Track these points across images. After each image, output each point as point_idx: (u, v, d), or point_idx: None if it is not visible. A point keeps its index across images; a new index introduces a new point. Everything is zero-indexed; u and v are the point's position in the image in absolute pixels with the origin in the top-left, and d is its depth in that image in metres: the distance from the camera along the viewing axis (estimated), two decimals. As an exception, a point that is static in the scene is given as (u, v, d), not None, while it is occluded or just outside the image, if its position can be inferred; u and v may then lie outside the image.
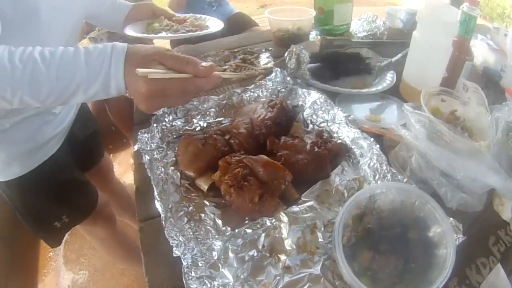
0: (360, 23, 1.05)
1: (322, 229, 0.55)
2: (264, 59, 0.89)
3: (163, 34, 0.78)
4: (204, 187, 0.62)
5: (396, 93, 0.81)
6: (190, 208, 0.61)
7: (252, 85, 0.77)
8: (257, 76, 0.82)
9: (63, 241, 1.43)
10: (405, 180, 0.59)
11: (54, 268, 1.36)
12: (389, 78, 0.83)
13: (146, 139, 0.75)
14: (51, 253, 1.41)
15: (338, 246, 0.49)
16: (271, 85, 0.76)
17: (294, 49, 0.80)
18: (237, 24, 1.53)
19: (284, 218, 0.54)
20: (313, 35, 1.01)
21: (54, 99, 0.50)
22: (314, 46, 0.89)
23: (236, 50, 0.95)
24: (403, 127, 0.66)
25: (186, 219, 0.59)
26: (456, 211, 0.53)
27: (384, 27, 0.99)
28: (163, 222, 0.60)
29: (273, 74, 0.77)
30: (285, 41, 0.93)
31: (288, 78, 0.76)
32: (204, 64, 0.52)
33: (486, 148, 0.65)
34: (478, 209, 0.60)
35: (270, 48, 0.95)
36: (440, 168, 0.62)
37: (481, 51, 0.90)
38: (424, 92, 0.69)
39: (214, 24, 0.92)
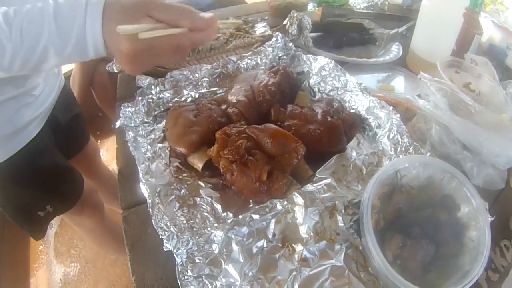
0: None
1: (343, 211, 0.41)
2: (260, 29, 0.73)
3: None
4: (199, 165, 0.46)
5: (402, 65, 0.68)
6: (182, 191, 0.46)
7: (250, 52, 0.61)
8: (254, 44, 0.66)
9: (53, 233, 1.26)
10: (428, 154, 0.46)
11: (45, 261, 1.19)
12: (395, 49, 0.69)
13: (130, 113, 0.58)
14: (41, 246, 1.22)
15: (368, 230, 0.37)
16: (271, 51, 0.60)
17: (295, 15, 0.65)
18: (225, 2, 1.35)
19: (299, 200, 0.40)
20: (310, 7, 0.86)
21: (21, 63, 0.38)
22: (313, 17, 0.73)
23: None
24: (419, 97, 0.54)
25: (177, 205, 0.44)
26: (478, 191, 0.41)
27: None
28: (150, 209, 0.44)
29: (273, 40, 0.61)
30: (281, 10, 0.77)
31: (290, 44, 0.60)
32: (202, 14, 0.39)
33: (508, 121, 0.53)
34: (501, 186, 0.49)
35: (266, 18, 0.79)
36: (464, 141, 0.49)
37: (486, 28, 0.78)
38: (441, 60, 0.56)
39: None
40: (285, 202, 0.40)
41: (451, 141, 0.51)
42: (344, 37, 0.69)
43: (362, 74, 0.64)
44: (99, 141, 1.58)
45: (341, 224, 0.41)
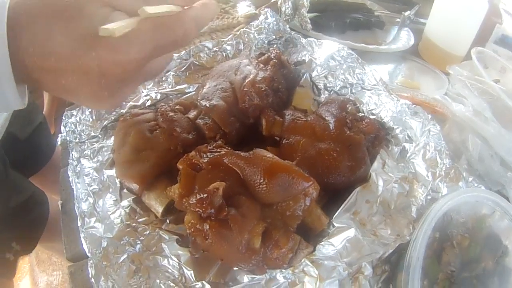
0: None
1: (371, 274, 0.24)
2: (244, 8, 0.52)
3: None
4: (157, 209, 0.27)
5: (414, 54, 0.50)
6: (138, 246, 0.27)
7: (230, 36, 0.40)
8: (236, 26, 0.45)
9: None
10: (470, 179, 0.30)
11: (27, 271, 0.99)
12: (405, 36, 0.50)
13: (74, 125, 0.38)
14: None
15: None
16: (258, 34, 0.39)
17: (288, -14, 0.43)
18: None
19: (311, 270, 0.23)
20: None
21: None
22: (308, -7, 0.52)
23: None
24: (451, 99, 0.36)
25: (133, 268, 0.26)
26: None
27: None
28: (92, 279, 0.26)
29: (261, 18, 0.40)
30: (269, -15, 0.55)
31: (284, 24, 0.39)
32: None
33: None
34: None
35: (250, -6, 0.57)
36: (508, 160, 0.33)
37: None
38: (475, 50, 0.38)
39: None
40: (290, 272, 0.23)
41: (489, 156, 0.34)
42: (347, 19, 0.49)
43: (369, 64, 0.45)
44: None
45: (367, 288, 0.24)
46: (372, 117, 0.33)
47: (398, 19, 0.52)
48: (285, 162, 0.23)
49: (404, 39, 0.50)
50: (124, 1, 0.21)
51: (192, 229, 0.22)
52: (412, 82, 0.42)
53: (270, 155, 0.23)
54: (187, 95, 0.36)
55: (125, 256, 0.27)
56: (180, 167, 0.24)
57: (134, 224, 0.28)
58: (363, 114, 0.32)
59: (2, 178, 0.50)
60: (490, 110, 0.34)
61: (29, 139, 0.58)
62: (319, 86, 0.36)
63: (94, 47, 0.19)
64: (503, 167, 0.34)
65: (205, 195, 0.21)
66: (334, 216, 0.25)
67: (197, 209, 0.21)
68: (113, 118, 0.37)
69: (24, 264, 1.00)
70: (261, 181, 0.22)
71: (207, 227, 0.21)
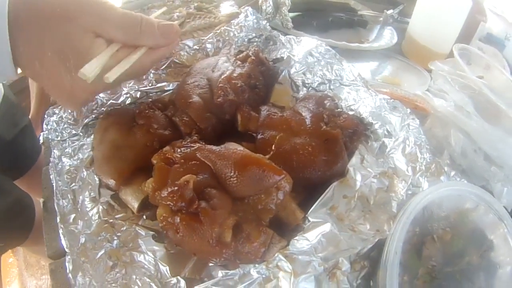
0: None
1: (349, 269, 0.24)
2: (227, 8, 0.51)
3: None
4: (133, 205, 0.27)
5: (397, 52, 0.50)
6: (115, 242, 0.27)
7: (210, 34, 0.39)
8: (218, 25, 0.45)
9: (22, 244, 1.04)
10: (452, 173, 0.30)
11: (16, 274, 0.96)
12: (388, 34, 0.51)
13: (55, 123, 0.38)
14: (11, 259, 0.99)
15: None
16: (238, 32, 0.39)
17: (270, -14, 0.43)
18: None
19: (285, 265, 0.22)
20: (287, -16, 0.65)
21: None
22: (292, -7, 0.53)
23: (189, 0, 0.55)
24: (433, 94, 0.36)
25: (109, 264, 0.26)
26: None
27: None
28: (70, 276, 0.25)
29: (241, 16, 0.39)
30: (254, -14, 0.56)
31: (265, 22, 0.39)
32: (163, 28, 0.27)
33: None
34: None
35: (234, -5, 0.57)
36: (490, 153, 0.33)
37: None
38: (457, 46, 0.38)
39: None
40: (263, 267, 0.22)
41: (472, 150, 0.34)
42: (330, 18, 0.49)
43: (351, 62, 0.45)
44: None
45: (345, 285, 0.24)
46: (350, 112, 0.33)
47: (381, 18, 0.53)
48: (256, 155, 0.22)
49: (387, 37, 0.51)
50: (104, 31, 0.25)
51: (164, 223, 0.21)
52: (393, 78, 0.42)
53: (241, 148, 0.22)
54: (166, 93, 0.36)
55: (102, 252, 0.26)
56: (154, 161, 0.24)
57: (111, 220, 0.28)
58: (341, 110, 0.32)
59: None
60: (472, 105, 0.34)
61: (14, 141, 0.57)
62: (297, 83, 0.35)
63: (71, 71, 0.23)
64: (486, 161, 0.34)
65: (176, 188, 0.20)
66: (310, 211, 0.25)
67: (168, 202, 0.20)
68: (94, 116, 0.37)
69: (13, 268, 0.98)
70: (232, 174, 0.21)
71: (178, 220, 0.20)
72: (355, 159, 0.30)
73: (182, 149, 0.24)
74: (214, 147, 0.23)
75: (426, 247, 0.24)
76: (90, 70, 0.23)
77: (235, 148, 0.22)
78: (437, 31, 0.47)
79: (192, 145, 0.24)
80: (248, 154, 0.22)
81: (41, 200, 0.36)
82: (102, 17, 0.24)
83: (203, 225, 0.20)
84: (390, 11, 0.51)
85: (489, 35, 0.60)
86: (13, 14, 0.22)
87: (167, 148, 0.24)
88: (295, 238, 0.23)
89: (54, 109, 0.40)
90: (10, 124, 0.56)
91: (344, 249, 0.24)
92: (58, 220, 0.29)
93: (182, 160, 0.23)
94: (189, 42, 0.38)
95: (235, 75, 0.30)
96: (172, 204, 0.21)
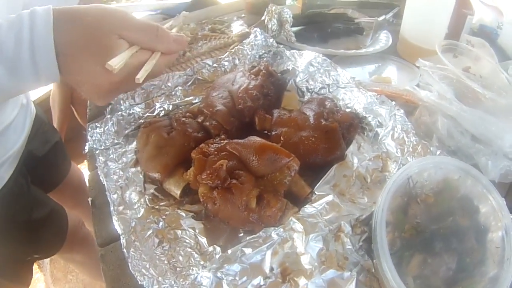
0: None
1: (350, 232, 0.33)
2: (237, 27, 0.64)
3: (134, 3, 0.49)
4: (176, 192, 0.38)
5: (393, 53, 0.60)
6: (161, 223, 0.37)
7: (226, 53, 0.52)
8: (232, 44, 0.57)
9: (48, 259, 1.15)
10: (438, 152, 0.38)
11: None
12: (384, 37, 0.61)
13: (99, 135, 0.49)
14: (38, 274, 1.11)
15: (383, 254, 0.29)
16: (250, 49, 0.51)
17: (273, 8, 0.56)
18: (204, 5, 1.25)
19: (298, 226, 0.31)
20: (289, 1, 0.77)
21: None
22: (294, 10, 0.65)
23: (203, 22, 0.68)
24: (419, 87, 0.46)
25: (156, 241, 0.36)
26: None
27: None
28: (125, 250, 0.35)
29: (251, 36, 0.52)
30: (259, 7, 0.68)
31: (271, 40, 0.51)
32: (176, 36, 0.37)
33: None
34: None
35: (242, 15, 0.70)
36: (475, 133, 0.42)
37: (475, 9, 0.70)
38: (439, 43, 0.48)
39: None
40: (281, 230, 0.32)
41: (459, 133, 0.43)
42: (329, 29, 0.60)
43: (352, 67, 0.55)
44: (85, 161, 1.47)
45: (349, 246, 0.33)
46: (347, 109, 0.43)
47: (379, 20, 0.63)
48: (270, 143, 0.32)
49: (383, 41, 0.61)
50: (126, 34, 0.33)
51: (205, 198, 0.31)
52: (384, 77, 0.52)
53: (259, 139, 0.33)
54: (194, 105, 0.48)
55: (150, 231, 0.36)
56: (194, 155, 0.34)
57: (156, 207, 0.38)
58: (339, 108, 0.42)
59: (24, 191, 0.59)
60: (452, 92, 0.43)
61: (47, 157, 0.68)
62: (302, 89, 0.46)
63: (100, 63, 0.32)
64: (473, 141, 0.42)
65: (213, 170, 0.31)
66: (315, 187, 0.35)
67: (207, 181, 0.31)
68: (132, 127, 0.49)
69: (40, 283, 1.09)
70: (253, 158, 0.31)
71: (215, 194, 0.30)
72: (352, 147, 0.39)
73: (214, 145, 0.34)
74: (239, 140, 0.33)
75: (411, 208, 0.32)
76: (115, 62, 0.31)
77: (255, 139, 0.33)
78: (426, 30, 0.56)
79: (222, 141, 0.35)
80: (265, 142, 0.32)
81: (90, 199, 0.47)
82: (124, 23, 0.33)
83: (234, 196, 0.30)
84: (381, 18, 0.62)
85: (482, 26, 0.69)
86: (56, 21, 0.30)
87: (202, 145, 0.35)
88: (304, 206, 0.32)
89: (96, 124, 0.52)
90: (42, 141, 0.67)
91: (345, 214, 0.33)
92: (111, 209, 0.40)
93: (216, 152, 0.33)
94: (209, 61, 0.51)
95: (250, 86, 0.41)
96: (210, 182, 0.31)
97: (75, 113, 1.25)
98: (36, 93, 1.08)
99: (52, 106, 1.22)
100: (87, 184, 0.51)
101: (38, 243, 0.64)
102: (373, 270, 0.33)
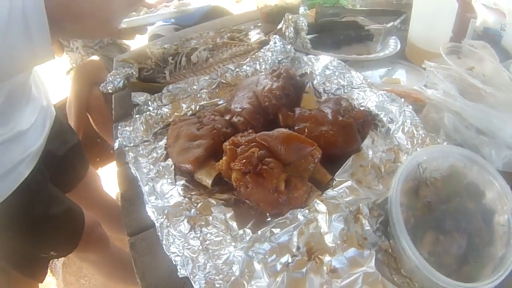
0: None
1: (368, 214, 0.39)
2: (255, 36, 0.73)
3: (151, 14, 0.58)
4: (207, 181, 0.44)
5: (402, 57, 0.68)
6: (193, 211, 0.43)
7: (248, 59, 0.59)
8: (251, 51, 0.65)
9: (61, 264, 1.20)
10: (445, 143, 0.44)
11: None
12: (393, 43, 0.69)
13: (128, 133, 0.56)
14: (50, 278, 1.17)
15: (400, 230, 0.35)
16: (270, 55, 0.59)
17: (290, 17, 0.64)
18: (216, 16, 1.36)
19: (321, 207, 0.37)
20: (302, 10, 0.86)
21: None
22: (308, 19, 0.73)
23: (221, 30, 0.77)
24: (426, 87, 0.52)
25: (189, 226, 0.41)
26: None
27: None
28: (159, 233, 0.41)
29: (271, 43, 0.60)
30: (273, 16, 0.77)
31: (289, 46, 0.59)
32: None
33: None
34: None
35: (258, 24, 0.78)
36: (478, 126, 0.48)
37: (478, 12, 0.78)
38: (443, 45, 0.55)
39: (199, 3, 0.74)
40: (307, 211, 0.38)
41: (465, 127, 0.49)
42: (341, 36, 0.68)
43: (364, 71, 0.62)
44: (99, 168, 1.54)
45: (367, 227, 0.38)
46: (361, 108, 0.49)
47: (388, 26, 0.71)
48: (296, 134, 0.39)
49: (392, 46, 0.68)
50: None
51: (238, 182, 0.38)
52: (394, 79, 0.59)
53: (286, 130, 0.40)
54: (219, 106, 0.55)
55: (183, 217, 0.42)
56: (226, 146, 0.41)
57: (188, 196, 0.44)
58: (353, 106, 0.49)
59: (42, 188, 0.64)
60: (456, 90, 0.49)
61: (65, 157, 0.74)
62: (319, 91, 0.53)
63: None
64: (478, 134, 0.48)
65: (246, 157, 0.37)
66: (335, 175, 0.41)
67: (240, 167, 0.37)
68: (161, 126, 0.56)
69: (52, 286, 1.14)
70: (281, 147, 0.38)
71: (248, 178, 0.37)
72: (367, 141, 0.46)
73: (244, 137, 0.41)
74: (267, 132, 0.40)
75: (422, 190, 0.38)
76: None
77: (282, 130, 0.39)
78: (431, 35, 0.63)
79: (250, 134, 0.41)
80: (291, 133, 0.39)
81: (120, 192, 0.53)
82: None
83: (265, 179, 0.36)
84: (390, 24, 0.70)
85: (486, 29, 0.76)
86: None
87: (233, 137, 0.42)
88: (326, 190, 0.38)
89: (125, 123, 0.59)
90: (61, 142, 0.73)
91: (363, 198, 0.39)
92: (144, 198, 0.46)
93: (246, 143, 0.40)
94: (231, 66, 0.58)
95: (274, 87, 0.48)
96: (243, 168, 0.37)
97: (90, 120, 1.34)
98: (55, 98, 1.17)
99: (68, 113, 1.31)
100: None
101: (55, 239, 0.70)
102: (390, 250, 0.38)
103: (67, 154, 0.75)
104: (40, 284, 1.09)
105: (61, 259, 1.19)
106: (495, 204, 0.39)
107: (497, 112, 0.47)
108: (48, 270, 1.16)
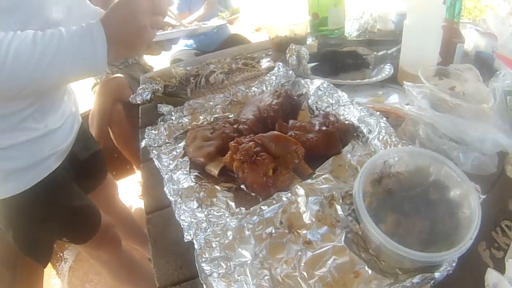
0: (350, 23, 1.11)
1: (341, 201, 0.52)
2: (265, 63, 0.93)
3: (176, 30, 0.79)
4: (215, 172, 0.60)
5: (395, 82, 0.83)
6: (201, 194, 0.59)
7: (256, 82, 0.79)
8: (260, 76, 0.85)
9: (68, 267, 1.36)
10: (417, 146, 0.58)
11: None
12: (387, 69, 0.85)
13: (153, 135, 0.75)
14: (55, 279, 1.32)
15: (362, 210, 0.45)
16: (274, 79, 0.78)
17: (293, 47, 0.84)
18: (234, 44, 1.62)
19: (300, 191, 0.52)
20: (310, 41, 1.06)
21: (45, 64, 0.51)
22: (312, 49, 0.93)
23: (237, 57, 0.98)
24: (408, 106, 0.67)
25: (197, 204, 0.57)
26: (471, 176, 0.51)
27: (372, 20, 1.04)
28: (173, 206, 0.57)
29: (275, 69, 0.79)
30: (283, 46, 0.97)
31: (291, 72, 0.78)
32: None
33: (489, 110, 0.64)
34: (492, 171, 0.58)
35: (270, 53, 0.99)
36: (448, 134, 0.60)
37: (471, 37, 0.93)
38: (422, 69, 0.70)
39: (217, 23, 0.96)
40: (289, 194, 0.52)
41: (438, 137, 0.61)
42: (339, 64, 0.86)
43: (357, 96, 0.78)
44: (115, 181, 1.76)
45: (340, 212, 0.51)
46: (346, 122, 0.65)
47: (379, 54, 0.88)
48: (284, 134, 0.55)
49: (386, 72, 0.84)
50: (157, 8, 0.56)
51: (237, 168, 0.54)
52: (378, 98, 0.74)
53: (277, 132, 0.56)
54: (229, 119, 0.73)
55: (192, 198, 0.57)
56: (230, 144, 0.58)
57: (199, 183, 0.60)
58: (339, 120, 0.64)
59: (66, 183, 0.79)
60: (428, 104, 0.62)
61: (86, 162, 0.89)
62: (313, 108, 0.70)
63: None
64: (446, 140, 0.59)
65: (245, 150, 0.54)
66: (316, 170, 0.55)
67: (240, 157, 0.54)
68: (181, 132, 0.74)
69: None
70: (272, 144, 0.54)
71: (245, 165, 0.53)
72: (348, 147, 0.61)
73: (246, 138, 0.58)
74: (263, 134, 0.57)
75: (384, 180, 0.51)
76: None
77: (273, 132, 0.56)
78: (419, 59, 0.76)
79: (251, 136, 0.58)
80: (280, 134, 0.55)
81: (142, 181, 0.70)
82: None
83: (258, 167, 0.52)
84: (381, 52, 0.86)
85: (478, 53, 0.90)
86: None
87: (237, 139, 0.59)
88: (306, 179, 0.53)
89: (152, 127, 0.77)
90: (84, 147, 0.89)
91: (337, 187, 0.53)
92: (164, 182, 0.61)
93: (246, 142, 0.57)
94: (242, 87, 0.78)
95: (273, 103, 0.66)
96: (242, 158, 0.54)
97: (111, 134, 1.57)
98: (81, 109, 1.39)
99: (90, 124, 1.53)
100: (138, 201, 0.71)
101: (72, 229, 0.84)
102: (360, 233, 0.51)
103: (89, 158, 0.92)
104: (45, 286, 1.24)
105: (69, 263, 1.35)
106: (461, 199, 0.47)
107: (464, 120, 0.59)
108: (54, 271, 1.31)
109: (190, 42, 1.67)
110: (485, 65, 0.82)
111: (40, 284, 1.20)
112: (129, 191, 1.71)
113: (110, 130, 1.55)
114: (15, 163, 0.67)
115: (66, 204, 0.80)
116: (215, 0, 1.55)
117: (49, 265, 1.32)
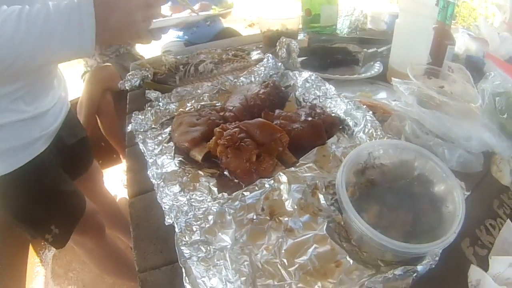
0: (341, 20, 1.12)
1: (324, 190, 0.53)
2: (255, 56, 0.93)
3: (167, 18, 0.78)
4: (199, 157, 0.60)
5: (384, 80, 0.85)
6: (184, 178, 0.58)
7: (245, 72, 0.79)
8: (249, 66, 0.85)
9: (51, 255, 1.34)
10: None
11: (41, 283, 1.26)
12: (377, 66, 0.87)
13: (140, 120, 0.74)
14: (38, 268, 1.29)
15: (345, 200, 0.44)
16: (263, 70, 0.78)
17: (284, 40, 0.84)
18: (226, 37, 1.62)
19: (283, 178, 0.52)
20: (301, 36, 1.07)
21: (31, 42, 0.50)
22: (303, 44, 0.93)
23: (227, 49, 0.98)
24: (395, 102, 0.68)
25: (179, 188, 0.56)
26: (456, 174, 0.51)
27: (363, 17, 1.06)
28: (156, 189, 0.56)
29: (264, 60, 0.79)
30: (274, 40, 0.97)
31: (280, 64, 0.78)
32: None
33: (476, 109, 0.65)
34: (478, 169, 0.59)
35: (260, 46, 0.99)
36: (434, 130, 0.61)
37: (463, 41, 0.95)
38: (410, 66, 0.71)
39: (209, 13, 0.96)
40: (272, 181, 0.52)
41: (423, 133, 0.62)
42: (328, 59, 0.87)
43: (346, 90, 0.79)
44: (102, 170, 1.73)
45: (323, 201, 0.52)
46: (333, 114, 0.66)
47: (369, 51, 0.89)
48: (269, 122, 0.55)
49: (376, 69, 0.86)
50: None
51: (221, 153, 0.54)
52: (366, 93, 0.75)
53: (262, 119, 0.56)
54: (216, 107, 0.73)
55: (175, 182, 0.56)
56: (216, 130, 0.58)
57: (182, 167, 0.60)
58: (325, 112, 0.65)
59: (53, 167, 0.80)
60: (414, 100, 0.63)
61: (72, 148, 0.90)
62: (300, 100, 0.71)
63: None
64: (432, 137, 0.60)
65: (229, 135, 0.53)
66: (300, 159, 0.56)
67: (224, 142, 0.53)
68: (168, 118, 0.73)
69: (39, 276, 1.26)
70: (257, 131, 0.54)
71: (229, 151, 0.53)
72: (333, 139, 0.61)
73: (231, 125, 0.58)
74: (248, 121, 0.57)
75: (368, 170, 0.52)
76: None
77: (259, 120, 0.56)
78: (408, 59, 0.76)
79: (236, 123, 0.58)
80: (265, 121, 0.55)
81: (126, 165, 0.69)
82: None
83: (242, 152, 0.52)
84: (371, 50, 0.88)
85: (469, 56, 0.92)
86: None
87: (222, 125, 0.58)
88: (290, 167, 0.53)
89: (139, 112, 0.75)
90: (71, 132, 0.90)
91: (320, 177, 0.53)
92: (148, 166, 0.60)
93: (232, 128, 0.56)
94: (231, 77, 0.77)
95: (261, 92, 0.66)
96: (226, 143, 0.53)
97: (98, 122, 1.54)
98: (70, 96, 1.37)
99: (78, 112, 1.51)
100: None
101: (56, 211, 0.83)
102: (342, 223, 0.51)
103: (75, 144, 0.92)
104: (28, 274, 1.22)
105: (52, 251, 1.32)
106: (445, 194, 0.47)
107: (450, 118, 0.60)
108: (38, 259, 1.28)
109: (182, 33, 1.66)
110: (475, 69, 0.83)
111: (24, 273, 1.18)
112: (114, 180, 1.69)
113: (98, 119, 1.53)
114: (3, 143, 0.68)
115: (53, 187, 0.81)
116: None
117: (33, 253, 1.30)
